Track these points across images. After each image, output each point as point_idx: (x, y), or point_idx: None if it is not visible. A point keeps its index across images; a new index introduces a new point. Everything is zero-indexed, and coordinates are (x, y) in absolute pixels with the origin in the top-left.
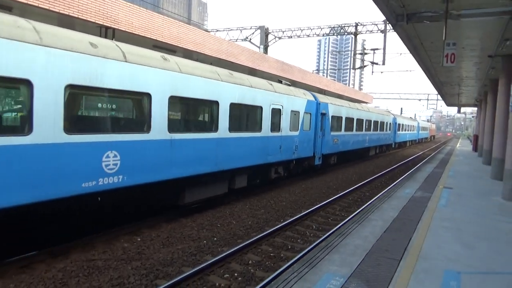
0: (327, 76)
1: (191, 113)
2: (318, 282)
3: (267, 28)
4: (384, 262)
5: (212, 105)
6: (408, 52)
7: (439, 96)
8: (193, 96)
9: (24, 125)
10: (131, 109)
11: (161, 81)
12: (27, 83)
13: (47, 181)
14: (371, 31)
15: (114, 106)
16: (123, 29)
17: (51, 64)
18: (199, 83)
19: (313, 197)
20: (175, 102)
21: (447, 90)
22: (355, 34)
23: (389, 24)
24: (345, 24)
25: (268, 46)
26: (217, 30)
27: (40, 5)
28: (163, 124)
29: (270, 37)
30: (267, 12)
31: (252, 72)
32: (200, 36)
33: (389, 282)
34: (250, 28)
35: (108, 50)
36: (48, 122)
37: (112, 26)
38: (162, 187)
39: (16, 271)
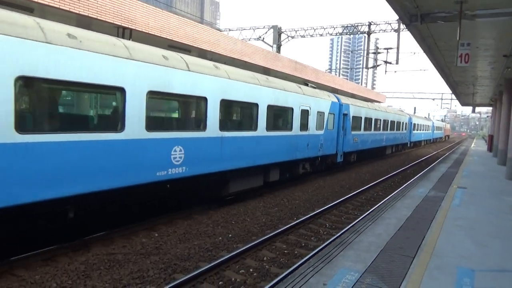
0: (339, 76)
1: (236, 114)
2: (334, 277)
3: (280, 28)
4: (398, 259)
5: (252, 107)
6: (422, 51)
7: (453, 95)
8: (238, 99)
9: (118, 123)
10: (192, 110)
11: (214, 86)
12: (122, 90)
13: (135, 169)
14: (384, 30)
15: (179, 108)
16: (140, 30)
17: (138, 74)
18: (243, 88)
19: (326, 196)
20: (225, 104)
21: (462, 90)
22: (368, 33)
23: (403, 24)
24: (358, 23)
25: (281, 45)
26: (230, 30)
27: (61, 7)
28: (216, 124)
29: (283, 36)
30: (280, 11)
31: (265, 71)
32: (214, 36)
33: (403, 278)
34: (263, 28)
35: (175, 61)
36: (136, 121)
37: (129, 26)
38: (212, 179)
39: (40, 264)
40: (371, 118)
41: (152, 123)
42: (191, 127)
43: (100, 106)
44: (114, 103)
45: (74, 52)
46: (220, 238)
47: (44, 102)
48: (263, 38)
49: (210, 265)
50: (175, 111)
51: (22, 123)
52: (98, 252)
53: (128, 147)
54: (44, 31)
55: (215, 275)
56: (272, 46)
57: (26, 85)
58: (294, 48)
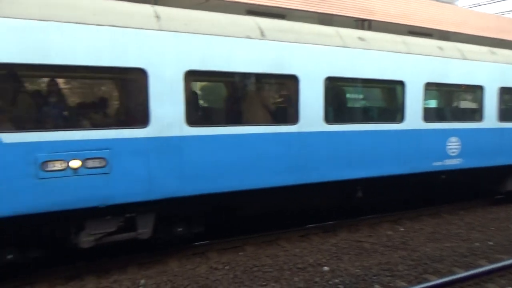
0: None
1: None
2: None
3: None
4: None
5: None
6: None
7: None
8: None
9: (398, 115)
10: (467, 100)
11: (491, 73)
12: (402, 83)
13: (413, 158)
14: None
15: (457, 98)
16: (379, 20)
17: (415, 67)
18: None
19: None
20: (505, 92)
21: None
22: None
23: None
24: None
25: None
26: (479, 5)
27: (309, 9)
28: (494, 114)
29: None
30: None
31: None
32: (460, 14)
33: None
34: None
35: (450, 51)
36: (414, 112)
37: (368, 18)
38: (488, 173)
39: (298, 239)
40: None
41: (428, 114)
42: (466, 118)
43: (383, 99)
44: (395, 96)
45: (364, 52)
46: (478, 244)
47: (340, 98)
48: None
49: (469, 273)
50: (449, 101)
51: (327, 116)
52: (346, 238)
53: (407, 137)
54: (342, 38)
55: (474, 285)
56: None
57: (329, 83)
58: None
